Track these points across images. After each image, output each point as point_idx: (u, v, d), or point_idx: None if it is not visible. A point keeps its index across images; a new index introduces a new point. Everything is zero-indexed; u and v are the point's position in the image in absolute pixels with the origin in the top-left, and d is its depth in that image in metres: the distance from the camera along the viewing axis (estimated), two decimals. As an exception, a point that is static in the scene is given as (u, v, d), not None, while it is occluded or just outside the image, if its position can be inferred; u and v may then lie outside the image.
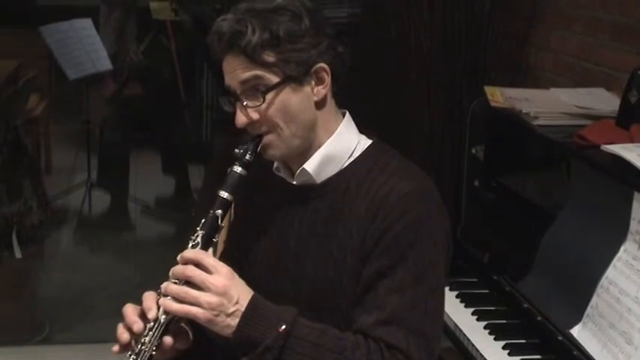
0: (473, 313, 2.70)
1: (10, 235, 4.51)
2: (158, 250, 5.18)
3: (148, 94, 6.11)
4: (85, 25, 5.50)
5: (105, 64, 5.56)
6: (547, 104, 2.91)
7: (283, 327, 1.79)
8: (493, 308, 2.72)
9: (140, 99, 6.10)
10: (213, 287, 1.79)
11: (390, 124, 3.82)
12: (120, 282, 4.78)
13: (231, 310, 1.79)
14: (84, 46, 5.44)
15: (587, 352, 2.24)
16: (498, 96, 3.00)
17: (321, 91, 1.92)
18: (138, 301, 1.90)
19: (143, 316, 1.86)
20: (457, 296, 2.80)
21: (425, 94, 3.89)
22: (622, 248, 2.25)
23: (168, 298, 1.82)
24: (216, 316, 1.79)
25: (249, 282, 1.87)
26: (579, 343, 2.27)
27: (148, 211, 5.87)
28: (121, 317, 1.89)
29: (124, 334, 1.85)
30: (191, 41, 5.79)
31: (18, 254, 4.52)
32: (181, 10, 5.72)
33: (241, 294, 1.81)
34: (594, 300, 2.27)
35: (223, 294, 1.79)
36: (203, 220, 1.89)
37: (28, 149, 5.23)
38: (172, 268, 1.84)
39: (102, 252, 5.31)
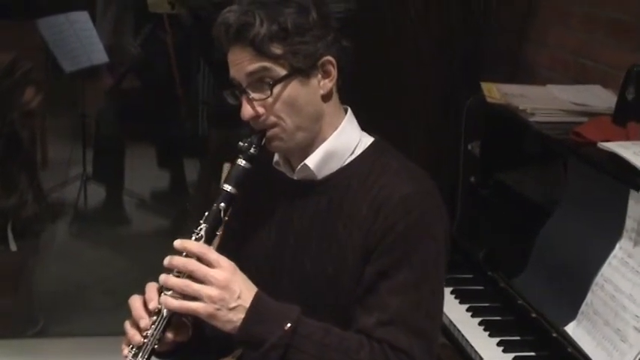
0: (467, 310, 2.70)
1: (5, 229, 4.50)
2: (153, 244, 5.16)
3: (144, 88, 6.09)
4: (82, 17, 5.46)
5: (101, 57, 5.52)
6: (543, 101, 2.91)
7: (289, 325, 1.79)
8: (488, 304, 2.72)
9: (136, 92, 6.08)
10: (214, 280, 1.78)
11: (385, 120, 3.81)
12: (115, 276, 4.77)
13: (233, 304, 1.79)
14: (80, 39, 5.40)
15: (582, 349, 2.24)
16: (495, 92, 3.00)
17: (328, 84, 1.92)
18: (135, 294, 1.91)
19: (145, 306, 1.87)
20: (452, 292, 2.80)
21: (421, 89, 3.88)
22: (617, 246, 2.26)
23: (169, 293, 1.82)
24: (218, 310, 1.78)
25: (248, 277, 1.86)
26: (574, 340, 2.28)
27: (143, 205, 5.85)
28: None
29: (136, 336, 1.85)
30: (188, 35, 5.76)
31: (13, 247, 4.50)
32: (178, 4, 5.69)
33: (244, 289, 1.81)
34: (589, 297, 2.28)
35: (225, 287, 1.78)
36: (206, 213, 1.89)
37: (23, 142, 5.20)
38: (172, 258, 1.82)
39: (97, 245, 5.29)
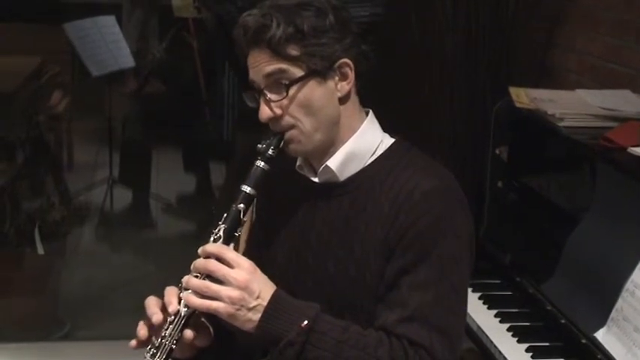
0: (496, 315, 2.69)
1: (32, 231, 4.53)
2: (179, 248, 5.18)
3: (170, 92, 6.11)
4: (109, 22, 5.50)
5: (127, 61, 5.56)
6: (572, 105, 2.90)
7: (305, 322, 1.80)
8: (516, 310, 2.71)
9: (162, 96, 6.10)
10: (234, 281, 1.79)
11: (412, 124, 3.81)
12: (140, 279, 4.79)
13: (253, 304, 1.80)
14: (107, 44, 5.44)
15: (612, 355, 2.23)
16: (523, 97, 2.99)
17: (345, 86, 1.93)
18: (159, 297, 1.91)
19: (164, 310, 1.88)
20: (480, 298, 2.79)
21: (448, 93, 3.88)
22: (648, 252, 2.24)
23: (190, 292, 1.83)
24: (238, 310, 1.80)
25: (271, 280, 1.87)
26: (603, 347, 2.27)
27: (169, 209, 5.87)
28: (141, 314, 1.90)
29: (142, 330, 1.87)
30: (213, 39, 5.77)
31: (40, 250, 4.53)
32: (204, 8, 5.71)
33: (263, 288, 1.82)
34: (619, 304, 2.26)
35: (244, 288, 1.79)
36: (225, 215, 1.91)
37: (50, 145, 5.24)
38: (194, 262, 1.85)
39: (123, 249, 5.32)
